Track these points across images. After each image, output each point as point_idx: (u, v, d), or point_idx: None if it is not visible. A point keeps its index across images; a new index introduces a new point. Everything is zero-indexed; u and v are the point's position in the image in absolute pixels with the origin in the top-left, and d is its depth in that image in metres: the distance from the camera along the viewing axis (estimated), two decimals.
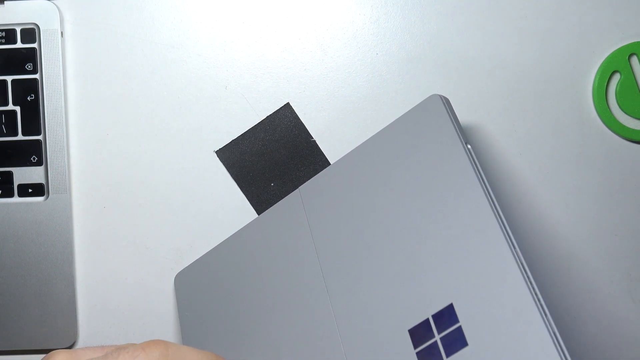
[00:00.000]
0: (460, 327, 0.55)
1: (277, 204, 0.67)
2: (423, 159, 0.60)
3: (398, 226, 0.59)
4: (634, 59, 0.68)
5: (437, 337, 0.55)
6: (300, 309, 0.61)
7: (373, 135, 0.63)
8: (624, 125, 0.68)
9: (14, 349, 0.70)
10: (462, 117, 0.69)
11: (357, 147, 0.63)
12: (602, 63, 0.68)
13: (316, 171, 0.69)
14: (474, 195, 0.57)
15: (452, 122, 0.59)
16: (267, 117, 0.69)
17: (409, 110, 0.61)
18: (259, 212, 0.70)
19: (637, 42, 0.68)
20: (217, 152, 0.69)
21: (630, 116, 0.68)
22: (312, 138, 0.69)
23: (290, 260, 0.64)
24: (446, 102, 0.61)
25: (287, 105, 0.69)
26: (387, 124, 0.69)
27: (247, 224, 0.68)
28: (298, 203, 0.65)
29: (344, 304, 0.60)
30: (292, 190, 0.69)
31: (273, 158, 0.69)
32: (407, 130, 0.61)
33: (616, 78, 0.68)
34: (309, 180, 0.65)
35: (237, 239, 0.68)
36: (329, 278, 0.61)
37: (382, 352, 0.57)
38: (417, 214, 0.59)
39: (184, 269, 0.69)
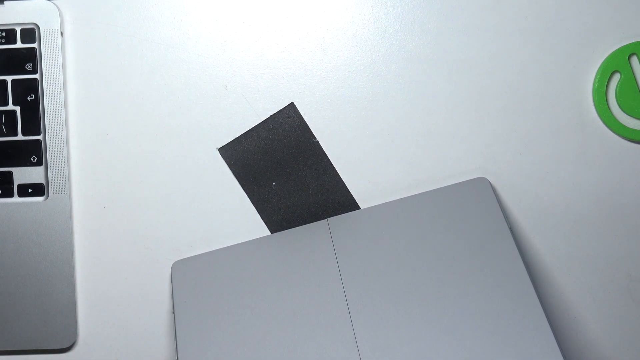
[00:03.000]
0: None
1: (299, 227, 0.68)
2: (463, 224, 0.64)
3: (431, 279, 0.61)
4: (634, 59, 0.68)
5: None
6: (318, 327, 0.61)
7: (413, 195, 0.68)
8: (624, 125, 0.68)
9: (14, 349, 0.70)
10: (463, 117, 0.69)
11: (394, 200, 0.68)
12: (602, 63, 0.68)
13: (318, 172, 0.69)
14: (515, 270, 0.60)
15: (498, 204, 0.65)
16: (271, 116, 0.69)
17: (455, 184, 0.67)
18: (259, 211, 0.70)
19: (637, 42, 0.68)
20: (219, 149, 0.69)
21: (630, 116, 0.68)
22: (315, 138, 0.69)
23: (311, 282, 0.64)
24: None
25: (292, 105, 0.69)
26: (387, 124, 0.69)
27: (262, 237, 0.68)
28: (325, 232, 0.67)
29: (365, 330, 0.60)
30: (294, 190, 0.69)
31: (275, 157, 0.69)
32: (449, 199, 0.67)
33: (616, 78, 0.68)
34: (339, 216, 0.68)
35: (248, 248, 0.67)
36: (353, 306, 0.62)
37: None
38: (451, 268, 0.61)
39: (183, 259, 0.69)
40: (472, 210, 0.65)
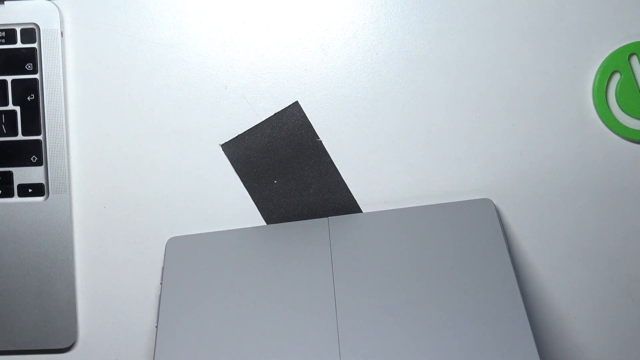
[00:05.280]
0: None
1: (300, 222, 0.68)
2: (462, 242, 0.64)
3: (421, 288, 0.62)
4: (634, 59, 0.68)
5: None
6: (301, 319, 0.61)
7: (416, 206, 0.68)
8: (624, 125, 0.68)
9: (14, 349, 0.70)
10: (463, 117, 0.69)
11: (397, 209, 0.68)
12: (602, 63, 0.68)
13: (320, 172, 0.69)
14: (510, 288, 0.60)
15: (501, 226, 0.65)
16: (275, 114, 0.69)
17: (459, 202, 0.68)
18: (260, 208, 0.70)
19: (637, 42, 0.68)
20: (222, 145, 0.69)
21: (630, 116, 0.68)
22: (319, 138, 0.69)
23: (302, 274, 0.64)
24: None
25: (296, 104, 0.69)
26: (387, 124, 0.69)
27: (260, 227, 0.68)
28: (324, 230, 0.67)
29: (350, 327, 0.60)
30: (295, 189, 0.69)
31: (278, 155, 0.69)
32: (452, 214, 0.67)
33: (616, 78, 0.68)
34: (341, 216, 0.68)
35: (246, 233, 0.68)
36: (341, 304, 0.62)
37: None
38: (442, 280, 0.62)
39: (178, 236, 0.69)
40: (473, 230, 0.65)
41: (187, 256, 0.67)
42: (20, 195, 0.69)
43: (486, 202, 0.68)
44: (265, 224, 0.70)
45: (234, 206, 0.70)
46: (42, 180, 0.69)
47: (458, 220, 0.66)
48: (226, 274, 0.65)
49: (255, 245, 0.67)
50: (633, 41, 0.68)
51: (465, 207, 0.67)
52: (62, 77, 0.69)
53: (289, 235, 0.68)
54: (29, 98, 0.68)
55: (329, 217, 0.69)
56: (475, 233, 0.65)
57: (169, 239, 0.69)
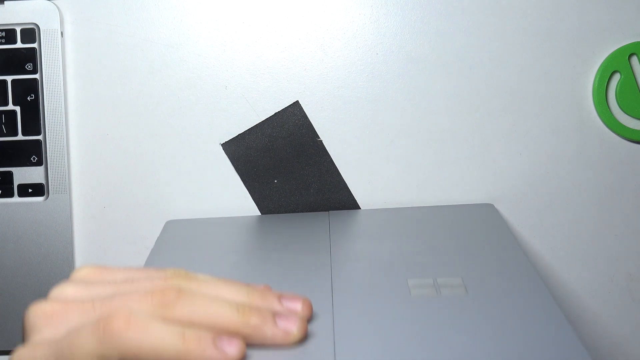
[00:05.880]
0: (462, 283, 0.55)
1: (301, 213, 0.69)
2: (468, 244, 0.63)
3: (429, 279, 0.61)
4: (634, 59, 0.68)
5: (436, 282, 0.55)
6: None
7: (418, 207, 0.69)
8: (624, 125, 0.68)
9: (14, 349, 0.70)
10: (463, 117, 0.69)
11: (397, 208, 0.70)
12: (602, 63, 0.68)
13: (320, 171, 0.69)
14: (534, 282, 0.58)
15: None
16: (276, 113, 0.69)
17: (462, 205, 0.69)
18: (260, 208, 0.70)
19: (637, 42, 0.68)
20: (223, 144, 0.69)
21: (630, 116, 0.68)
22: (319, 138, 0.69)
23: (299, 265, 0.63)
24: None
25: (297, 104, 0.69)
26: (387, 124, 0.69)
27: (261, 216, 0.68)
28: (324, 223, 0.67)
29: (346, 321, 0.58)
30: (295, 188, 0.69)
31: (278, 155, 0.69)
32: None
33: (616, 78, 0.68)
34: (343, 211, 0.68)
35: (246, 221, 0.67)
36: (338, 299, 0.59)
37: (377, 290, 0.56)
38: (454, 272, 0.60)
39: (176, 219, 0.69)
40: (479, 233, 0.64)
41: (183, 236, 0.66)
42: (20, 195, 0.69)
43: (488, 206, 0.67)
44: None
45: (235, 205, 0.70)
46: (42, 180, 0.69)
47: (461, 222, 0.66)
48: (222, 255, 0.64)
49: (253, 233, 0.67)
50: (633, 41, 0.68)
51: (468, 210, 0.67)
52: (62, 77, 0.69)
53: (289, 225, 0.67)
54: (29, 98, 0.68)
55: (330, 212, 0.68)
56: (482, 235, 0.64)
57: (167, 222, 0.68)
